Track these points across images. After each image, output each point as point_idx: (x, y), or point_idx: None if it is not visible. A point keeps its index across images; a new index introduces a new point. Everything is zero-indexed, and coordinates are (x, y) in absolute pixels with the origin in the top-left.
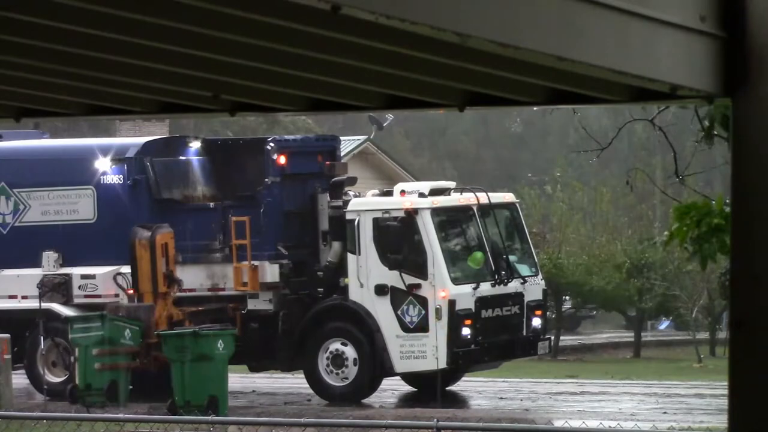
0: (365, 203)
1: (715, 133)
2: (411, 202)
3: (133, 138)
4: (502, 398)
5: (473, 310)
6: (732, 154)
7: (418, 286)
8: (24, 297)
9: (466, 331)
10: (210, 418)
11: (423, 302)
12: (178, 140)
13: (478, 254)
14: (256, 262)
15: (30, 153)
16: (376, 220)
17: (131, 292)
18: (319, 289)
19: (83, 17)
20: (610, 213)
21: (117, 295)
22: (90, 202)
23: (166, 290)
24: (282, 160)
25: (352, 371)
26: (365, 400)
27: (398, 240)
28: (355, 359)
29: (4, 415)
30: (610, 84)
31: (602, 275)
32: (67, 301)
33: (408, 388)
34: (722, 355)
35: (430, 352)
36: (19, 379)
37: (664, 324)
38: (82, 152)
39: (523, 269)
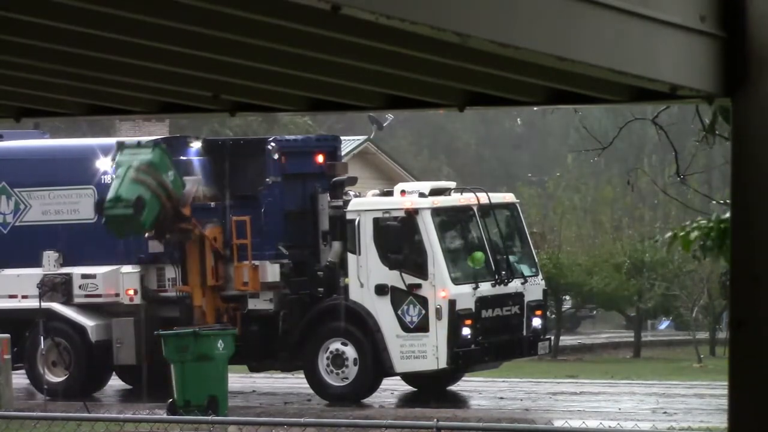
0: (365, 203)
1: (717, 133)
2: (411, 202)
3: (133, 138)
4: (502, 398)
5: (473, 310)
6: (732, 154)
7: (419, 286)
8: (24, 297)
9: (466, 331)
10: (210, 418)
11: (423, 302)
12: (178, 140)
13: (479, 254)
14: (256, 262)
15: (30, 153)
16: (376, 220)
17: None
18: (319, 289)
19: (83, 17)
20: (611, 213)
21: (117, 295)
22: (90, 201)
23: (215, 284)
24: (282, 160)
25: (352, 371)
26: (365, 400)
27: (398, 240)
28: (355, 359)
29: (4, 415)
30: (610, 84)
31: (602, 275)
32: (67, 301)
33: (408, 388)
34: (722, 355)
35: (430, 352)
36: (19, 379)
37: (664, 324)
38: (83, 152)
39: (523, 269)
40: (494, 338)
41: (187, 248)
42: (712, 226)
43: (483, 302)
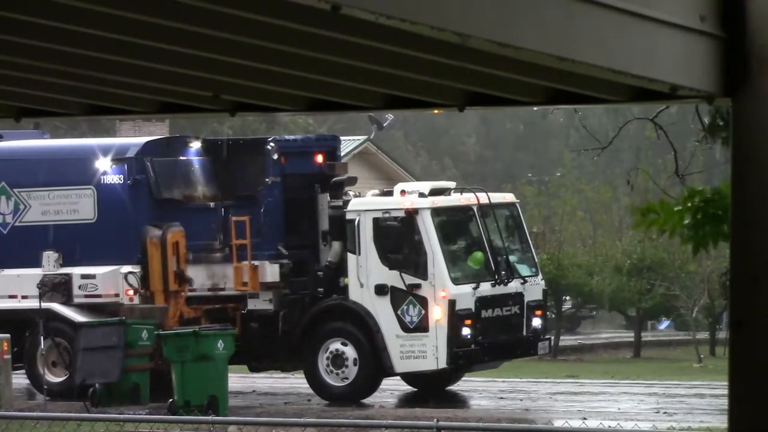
0: (365, 203)
1: (720, 123)
2: (411, 202)
3: (133, 138)
4: (502, 398)
5: (473, 310)
6: (732, 154)
7: (418, 286)
8: (24, 297)
9: (466, 331)
10: (210, 418)
11: (423, 302)
12: (178, 140)
13: (479, 254)
14: (256, 262)
15: (30, 153)
16: (376, 220)
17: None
18: (319, 289)
19: (83, 17)
20: (611, 212)
21: (117, 295)
22: (90, 202)
23: (177, 288)
24: (282, 160)
25: (352, 371)
26: (365, 400)
27: (398, 240)
28: (355, 359)
29: (4, 415)
30: (611, 84)
31: (603, 275)
32: (67, 301)
33: (408, 388)
34: (722, 355)
35: (430, 352)
36: (19, 379)
37: (664, 324)
38: (83, 152)
39: (523, 269)
40: (494, 338)
41: (148, 254)
42: (701, 208)
43: (483, 302)
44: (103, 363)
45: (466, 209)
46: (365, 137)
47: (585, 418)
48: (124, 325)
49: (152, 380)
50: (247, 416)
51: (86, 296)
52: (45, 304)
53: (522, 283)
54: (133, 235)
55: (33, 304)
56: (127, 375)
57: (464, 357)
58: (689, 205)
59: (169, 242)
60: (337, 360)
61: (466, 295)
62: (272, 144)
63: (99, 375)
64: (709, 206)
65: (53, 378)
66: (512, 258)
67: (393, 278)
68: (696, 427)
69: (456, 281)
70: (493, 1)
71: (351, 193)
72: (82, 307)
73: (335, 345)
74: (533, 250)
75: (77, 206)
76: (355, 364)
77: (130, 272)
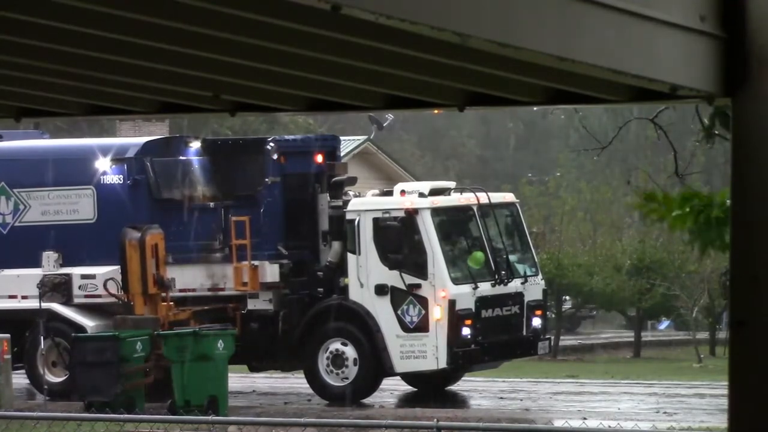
0: (365, 203)
1: (716, 132)
2: (411, 202)
3: (133, 138)
4: (502, 398)
5: (473, 310)
6: (732, 154)
7: (418, 286)
8: (24, 297)
9: (466, 331)
10: (210, 418)
11: (423, 302)
12: (178, 140)
13: (479, 254)
14: (256, 262)
15: (30, 153)
16: (376, 220)
17: (121, 293)
18: (319, 289)
19: (83, 17)
20: (612, 212)
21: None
22: (90, 202)
23: (156, 291)
24: (282, 160)
25: (352, 371)
26: (365, 400)
27: (398, 240)
28: (355, 359)
29: (4, 415)
30: (610, 84)
31: (603, 275)
32: (67, 301)
33: (408, 388)
34: (722, 355)
35: (430, 352)
36: (19, 379)
37: (664, 324)
38: (82, 152)
39: (523, 269)
40: (494, 338)
41: (127, 256)
42: (703, 211)
43: (483, 302)
44: (98, 380)
45: (465, 209)
46: (365, 137)
47: (585, 418)
48: (118, 341)
49: (151, 382)
50: (247, 416)
51: (86, 296)
52: (45, 304)
53: (522, 283)
54: None
55: (33, 304)
56: (124, 390)
57: (464, 357)
58: (688, 209)
59: (148, 245)
60: (337, 360)
61: (466, 295)
62: (272, 144)
63: (95, 393)
64: (710, 210)
65: (53, 378)
66: (512, 258)
67: (393, 278)
68: (696, 427)
69: (456, 281)
70: (493, 1)
71: (351, 193)
72: (82, 308)
73: (335, 345)
74: (533, 250)
75: (77, 206)
76: (355, 364)
77: (110, 278)
